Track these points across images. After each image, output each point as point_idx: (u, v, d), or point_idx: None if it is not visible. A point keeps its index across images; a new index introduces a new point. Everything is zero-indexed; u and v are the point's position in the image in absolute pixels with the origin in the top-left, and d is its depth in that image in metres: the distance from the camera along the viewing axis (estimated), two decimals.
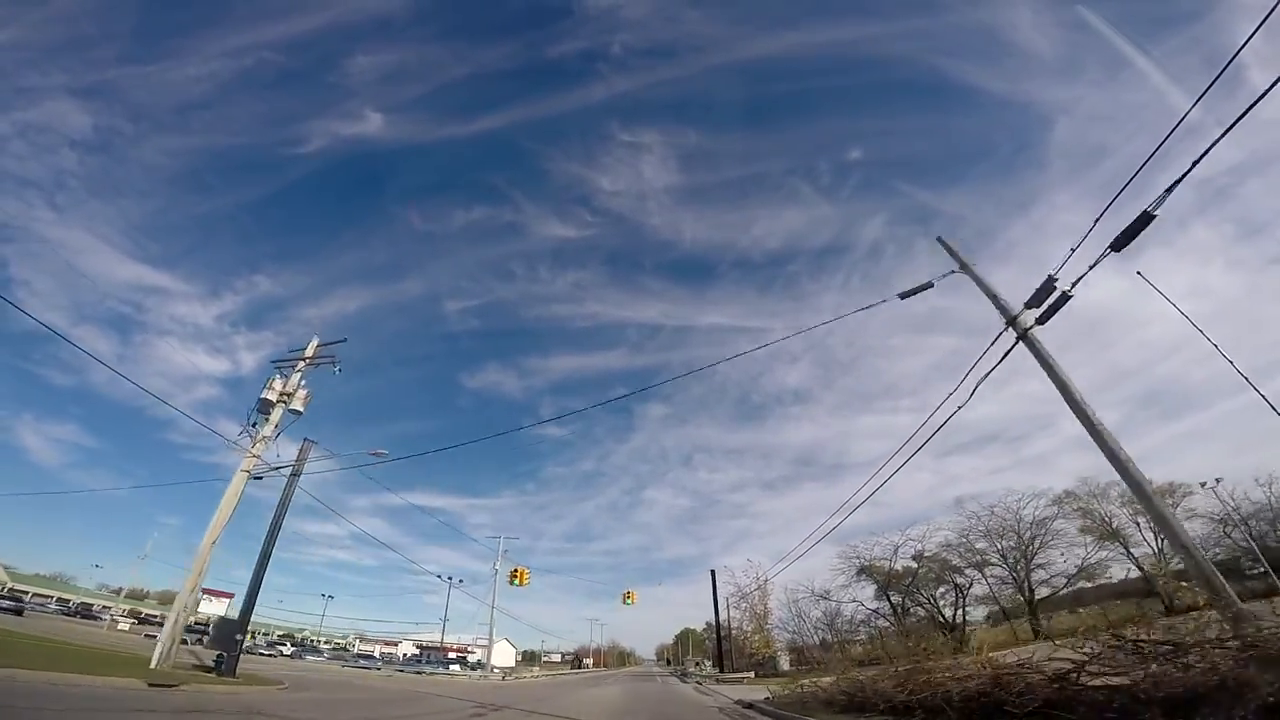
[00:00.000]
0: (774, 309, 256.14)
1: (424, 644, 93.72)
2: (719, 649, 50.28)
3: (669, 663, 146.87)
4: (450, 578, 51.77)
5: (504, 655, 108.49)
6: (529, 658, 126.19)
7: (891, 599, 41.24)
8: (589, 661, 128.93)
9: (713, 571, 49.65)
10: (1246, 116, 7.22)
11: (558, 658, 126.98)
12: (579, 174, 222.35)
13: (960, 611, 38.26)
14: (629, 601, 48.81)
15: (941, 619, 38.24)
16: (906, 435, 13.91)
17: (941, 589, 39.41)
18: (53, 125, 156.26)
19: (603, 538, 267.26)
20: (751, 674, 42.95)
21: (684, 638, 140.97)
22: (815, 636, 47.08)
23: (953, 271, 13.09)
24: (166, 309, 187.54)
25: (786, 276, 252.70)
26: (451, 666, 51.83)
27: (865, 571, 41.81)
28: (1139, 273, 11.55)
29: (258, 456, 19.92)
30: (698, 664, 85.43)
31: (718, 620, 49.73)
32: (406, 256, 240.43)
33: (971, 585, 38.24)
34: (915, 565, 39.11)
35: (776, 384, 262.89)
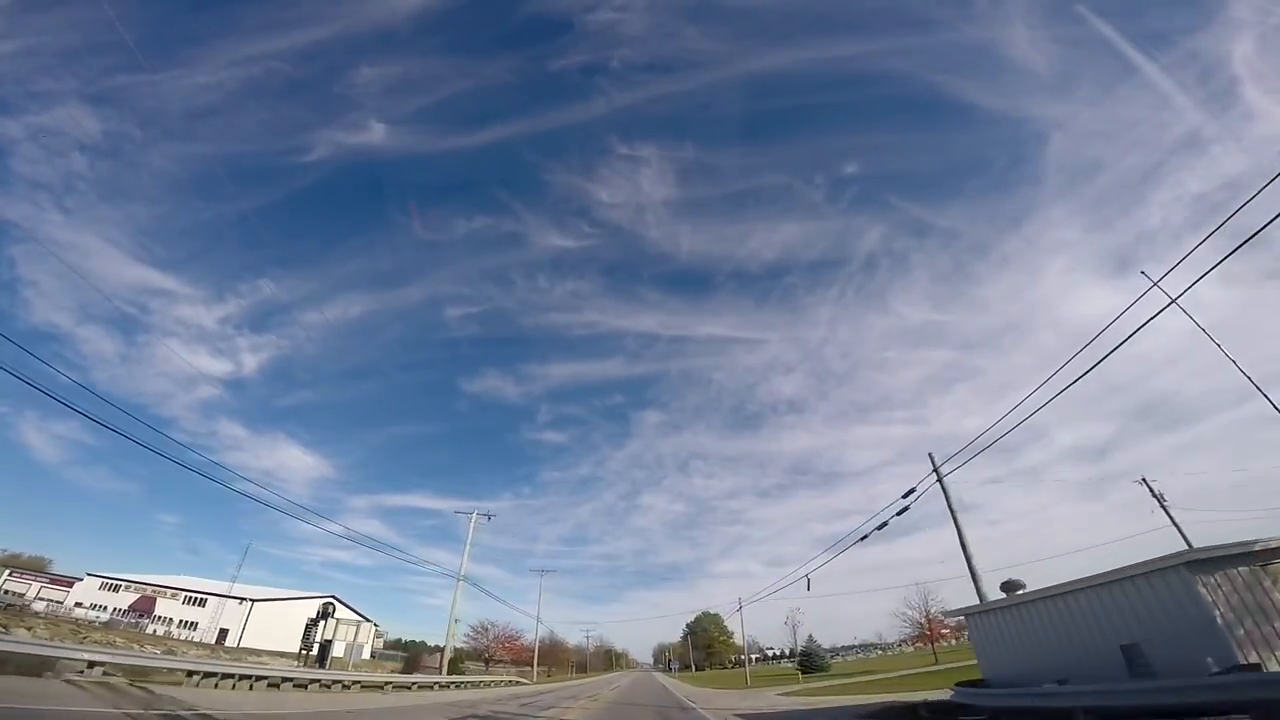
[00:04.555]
0: (770, 320, 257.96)
1: None
2: None
3: (669, 666, 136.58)
4: None
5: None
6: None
7: None
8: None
9: None
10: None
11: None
12: (578, 186, 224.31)
13: None
14: None
15: None
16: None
17: None
18: (64, 129, 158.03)
19: (599, 541, 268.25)
20: None
21: (704, 624, 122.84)
22: None
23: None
24: (171, 311, 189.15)
25: (783, 289, 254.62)
26: None
27: None
28: (1143, 272, 12.62)
29: None
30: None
31: None
32: (408, 263, 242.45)
33: None
34: None
35: (772, 394, 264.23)
